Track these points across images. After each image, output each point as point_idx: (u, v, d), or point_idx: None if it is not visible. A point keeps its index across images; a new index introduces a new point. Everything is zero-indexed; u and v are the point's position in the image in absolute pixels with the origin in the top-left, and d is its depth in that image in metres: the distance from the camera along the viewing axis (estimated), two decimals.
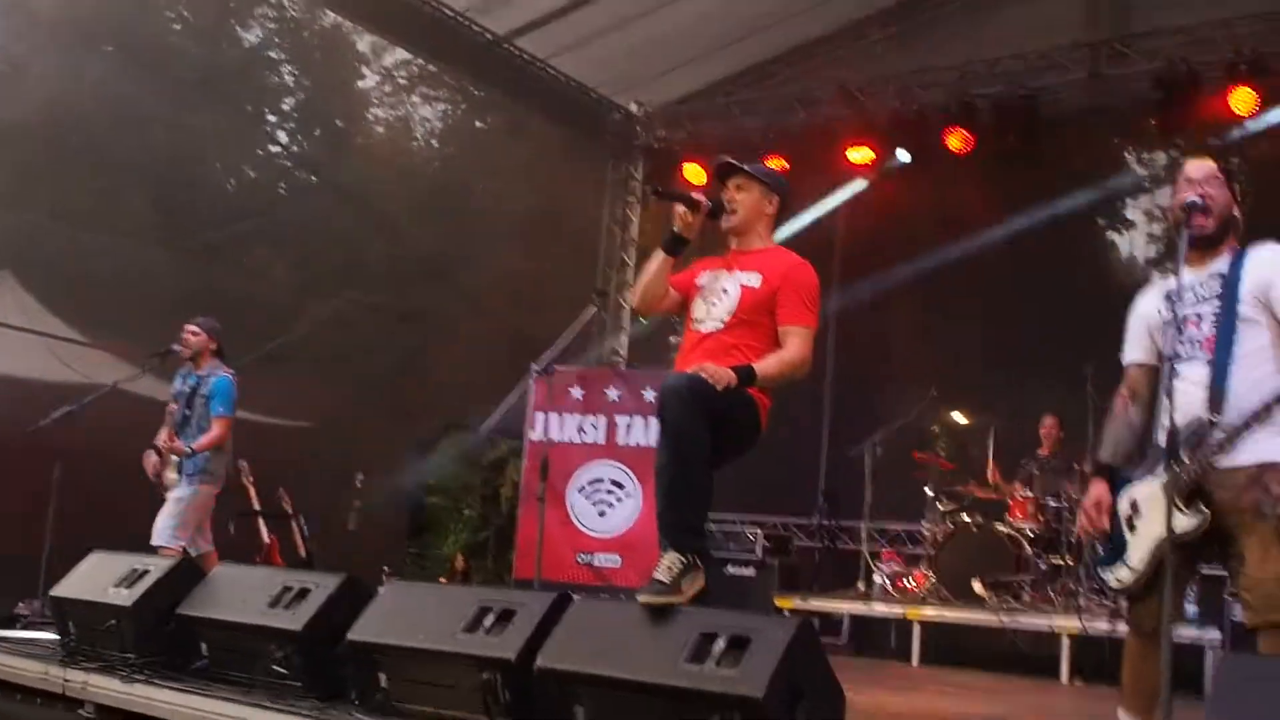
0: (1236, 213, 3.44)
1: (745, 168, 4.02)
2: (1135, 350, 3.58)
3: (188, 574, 4.42)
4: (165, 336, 6.77)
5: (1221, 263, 3.37)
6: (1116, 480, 3.50)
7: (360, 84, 15.37)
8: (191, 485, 6.36)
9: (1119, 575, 3.43)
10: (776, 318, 3.85)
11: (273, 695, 3.75)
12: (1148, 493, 3.38)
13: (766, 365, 3.75)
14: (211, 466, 6.44)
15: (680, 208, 3.92)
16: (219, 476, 6.51)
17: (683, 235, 3.95)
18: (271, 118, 14.97)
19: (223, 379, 6.56)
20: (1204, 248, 3.38)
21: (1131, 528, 3.42)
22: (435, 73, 14.20)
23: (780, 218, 4.08)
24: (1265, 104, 8.56)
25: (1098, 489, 3.50)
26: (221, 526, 6.83)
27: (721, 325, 3.88)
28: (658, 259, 4.02)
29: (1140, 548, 3.36)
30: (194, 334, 6.66)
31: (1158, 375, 3.49)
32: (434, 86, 15.33)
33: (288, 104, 15.02)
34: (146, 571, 4.40)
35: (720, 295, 3.92)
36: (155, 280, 9.76)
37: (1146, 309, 3.56)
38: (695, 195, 3.95)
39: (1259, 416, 3.15)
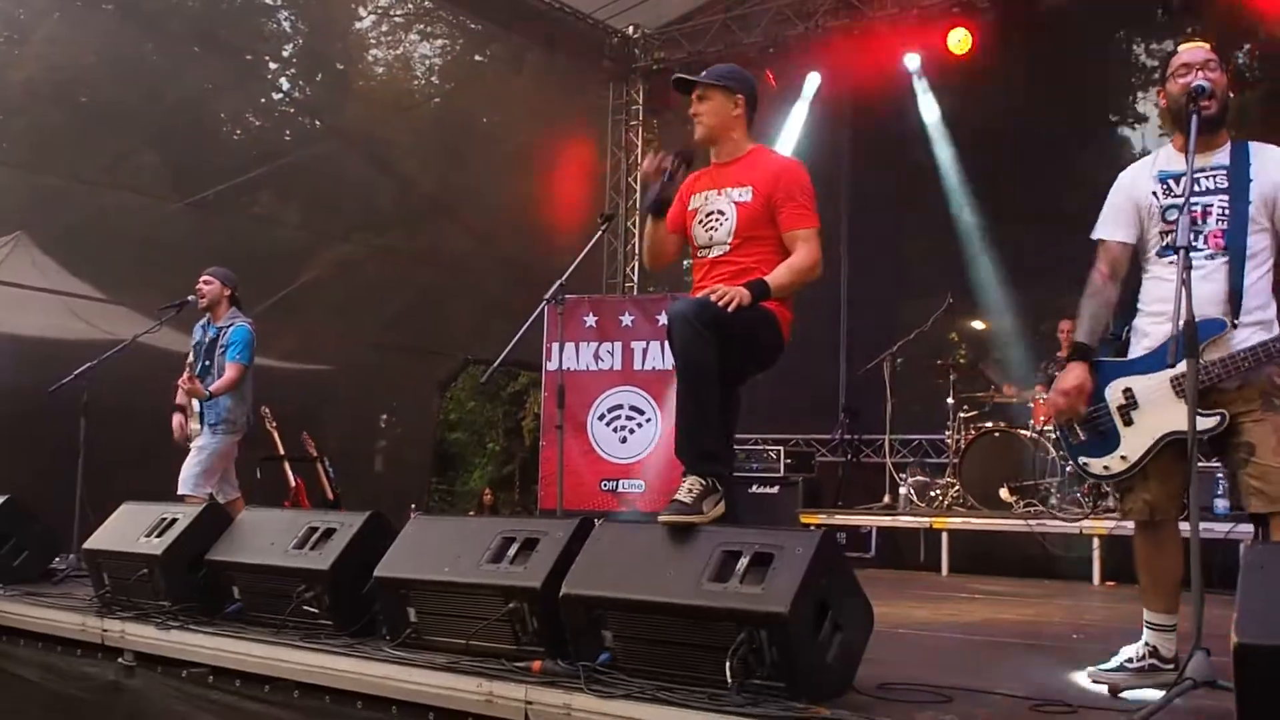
0: (1232, 98, 3.36)
1: (698, 78, 3.92)
2: (1118, 228, 3.48)
3: (215, 520, 4.47)
4: (182, 289, 6.79)
5: (1223, 154, 3.32)
6: (1094, 365, 3.45)
7: (357, 25, 15.16)
8: (214, 433, 6.41)
9: (1107, 464, 3.40)
10: (779, 225, 3.79)
11: (305, 634, 3.79)
12: (1149, 385, 3.33)
13: (778, 276, 3.69)
14: (233, 414, 6.47)
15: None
16: (241, 424, 6.55)
17: (665, 198, 3.93)
18: (273, 65, 14.80)
19: (241, 328, 6.58)
20: (1208, 132, 3.30)
21: (1126, 419, 3.37)
22: (431, 9, 13.99)
23: (753, 111, 3.95)
24: None
25: (1079, 372, 3.44)
26: (247, 473, 6.89)
27: (727, 248, 3.83)
28: (648, 224, 4.01)
29: (1138, 440, 3.32)
30: (208, 284, 6.67)
31: (1137, 255, 3.44)
32: (431, 23, 15.10)
33: (287, 50, 14.85)
34: (175, 520, 4.45)
35: (717, 218, 3.86)
36: (169, 234, 9.76)
37: (1137, 188, 3.46)
38: (665, 164, 3.89)
39: None
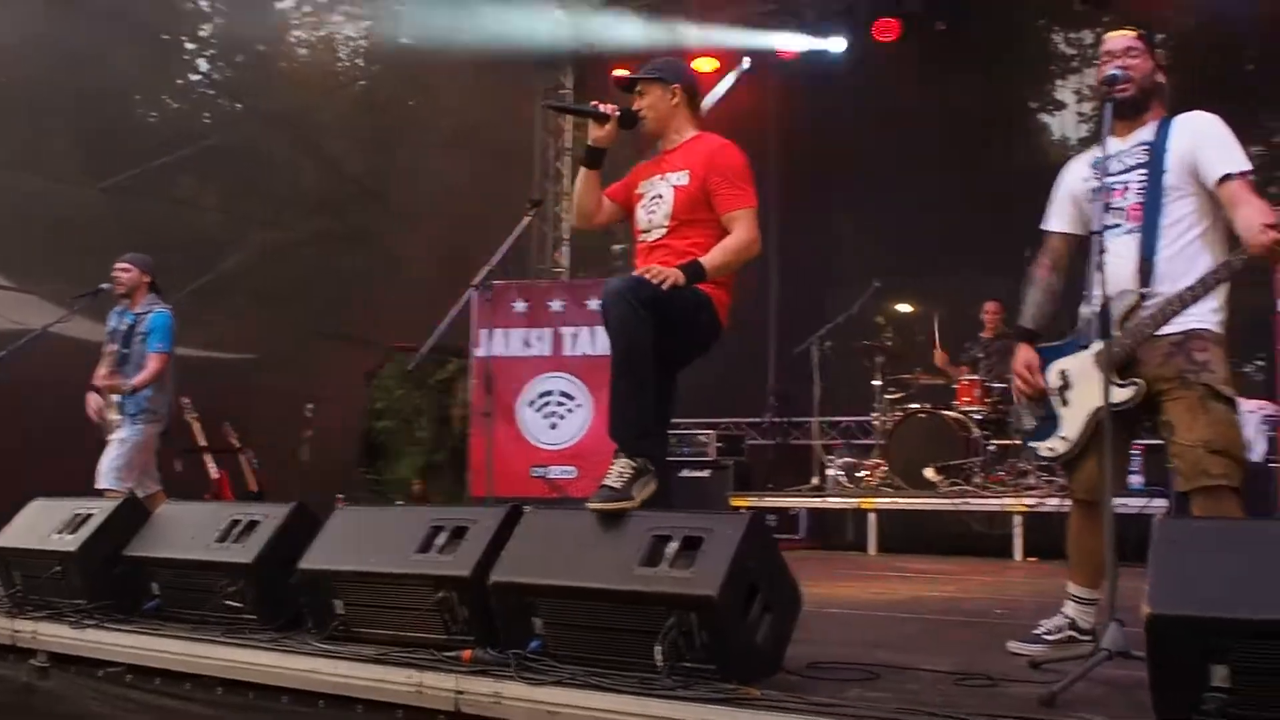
0: (1160, 78, 3.42)
1: (635, 74, 4.01)
2: (1058, 219, 3.59)
3: (133, 515, 4.35)
4: (96, 276, 6.60)
5: (1147, 131, 3.38)
6: (1037, 350, 3.54)
7: (279, 5, 14.85)
8: (134, 425, 6.25)
9: (1051, 445, 3.50)
10: (715, 207, 3.80)
11: (227, 630, 3.72)
12: (1078, 365, 3.43)
13: (713, 257, 3.70)
14: (152, 405, 6.32)
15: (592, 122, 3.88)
16: (161, 415, 6.40)
17: (597, 147, 3.92)
18: (190, 46, 14.47)
19: (160, 314, 6.43)
20: (1129, 116, 3.38)
21: (1063, 400, 3.46)
22: None
23: (693, 100, 4.02)
24: None
25: (1026, 352, 3.55)
26: (168, 465, 6.74)
27: (665, 231, 3.85)
28: (580, 174, 4.02)
29: (1074, 418, 3.42)
30: (125, 271, 6.51)
31: (1079, 245, 3.51)
32: (355, 3, 14.86)
33: (205, 30, 14.50)
34: (90, 515, 4.32)
35: (657, 202, 3.90)
36: (83, 219, 9.50)
37: (1071, 178, 3.57)
38: (599, 107, 3.88)
39: (1194, 292, 3.18)
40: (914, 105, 9.83)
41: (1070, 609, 3.47)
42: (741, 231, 3.76)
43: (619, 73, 4.09)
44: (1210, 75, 8.34)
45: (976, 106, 9.88)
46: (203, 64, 14.53)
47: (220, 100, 14.27)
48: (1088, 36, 10.53)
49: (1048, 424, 3.52)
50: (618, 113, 3.86)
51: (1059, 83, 10.96)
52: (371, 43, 15.46)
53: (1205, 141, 3.27)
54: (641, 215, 3.96)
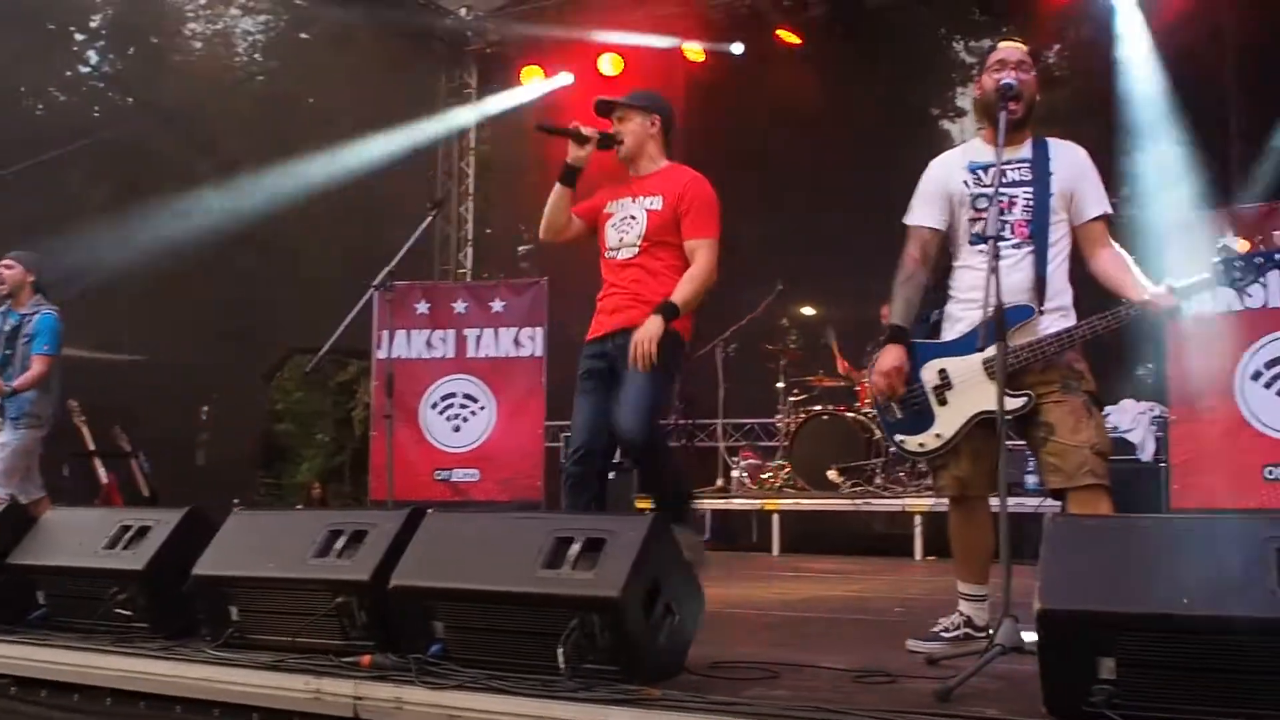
0: (1038, 96, 3.54)
1: (619, 100, 4.30)
2: (929, 214, 3.62)
3: (16, 521, 4.18)
4: None
5: (1025, 149, 3.49)
6: (909, 346, 3.57)
7: None
8: (16, 430, 6.05)
9: (922, 441, 3.53)
10: (681, 232, 4.15)
11: (117, 639, 3.60)
12: (963, 366, 3.46)
13: (683, 292, 4.08)
14: (36, 409, 6.11)
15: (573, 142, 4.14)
16: (45, 419, 6.19)
17: (574, 166, 4.17)
18: (80, 36, 14.02)
19: (46, 316, 6.23)
20: (1015, 129, 3.46)
21: (941, 398, 3.50)
22: None
23: (668, 132, 4.35)
24: None
25: (896, 353, 3.53)
26: (54, 470, 6.51)
27: (637, 251, 4.18)
28: (555, 191, 4.24)
29: (951, 418, 3.46)
30: (10, 269, 6.29)
31: (945, 240, 3.60)
32: None
33: (95, 21, 14.06)
34: None
35: (629, 222, 4.21)
36: None
37: (947, 177, 3.60)
38: (582, 129, 4.14)
39: (1094, 328, 3.33)
40: (817, 109, 9.96)
41: (964, 606, 3.55)
42: (703, 260, 4.13)
43: (601, 98, 4.33)
44: (1093, 88, 8.61)
45: (879, 111, 10.07)
46: (93, 55, 14.09)
47: (110, 93, 13.85)
48: (987, 45, 10.83)
49: (919, 419, 3.53)
50: (596, 135, 4.14)
51: (960, 90, 11.25)
52: (269, 38, 15.18)
53: (1086, 175, 3.48)
54: (611, 234, 4.24)
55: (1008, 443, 3.25)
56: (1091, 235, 3.44)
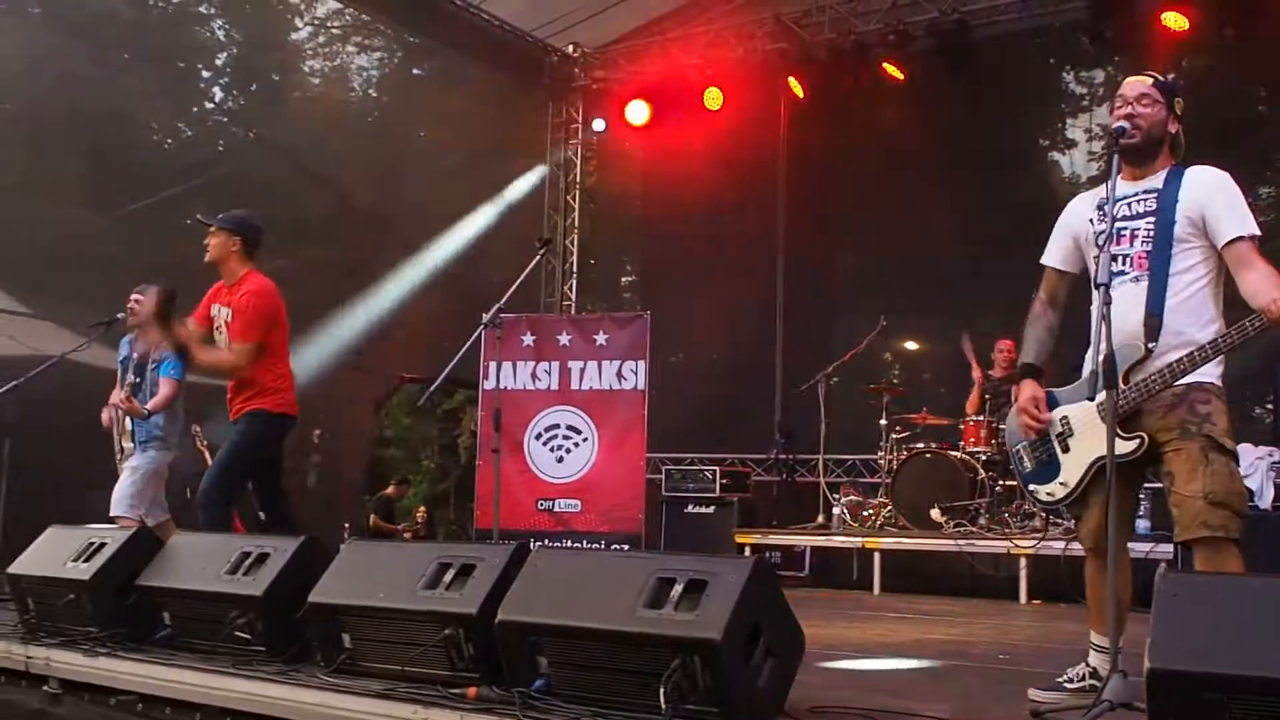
0: (1172, 128, 3.44)
1: (210, 221, 5.25)
2: (1056, 255, 3.61)
3: (146, 544, 4.39)
4: (109, 303, 6.66)
5: (1156, 179, 3.40)
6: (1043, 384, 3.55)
7: (293, 36, 15.04)
8: (146, 453, 6.29)
9: (1050, 490, 3.51)
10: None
11: (236, 661, 3.75)
12: (1081, 413, 3.43)
13: (205, 356, 5.14)
14: (164, 433, 6.36)
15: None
16: (173, 442, 6.44)
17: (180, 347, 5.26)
18: (205, 74, 14.63)
19: None
20: (1136, 163, 3.41)
21: (1064, 445, 3.48)
22: (369, 21, 13.93)
23: (249, 248, 5.23)
24: (1197, 24, 8.64)
25: (1032, 388, 3.53)
26: (179, 493, 6.78)
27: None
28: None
29: (1076, 465, 3.43)
30: (140, 300, 6.55)
31: (1074, 281, 3.56)
32: (368, 35, 15.04)
33: (220, 60, 14.67)
34: (104, 544, 4.36)
35: (223, 327, 5.18)
36: (95, 246, 9.60)
37: (1076, 217, 3.57)
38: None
39: (1204, 354, 3.20)
40: (922, 143, 9.89)
41: (1093, 657, 3.45)
42: (230, 357, 5.10)
43: (197, 217, 5.33)
44: (1220, 115, 8.40)
45: (985, 144, 9.95)
46: (217, 92, 14.69)
47: (233, 128, 14.41)
48: (1098, 75, 10.63)
49: (1047, 468, 3.53)
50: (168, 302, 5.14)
51: (1070, 121, 11.05)
52: (383, 74, 15.65)
53: (1217, 198, 3.30)
54: (217, 337, 5.20)
55: (1151, 484, 3.18)
56: (1235, 258, 3.24)
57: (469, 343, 5.13)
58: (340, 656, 3.60)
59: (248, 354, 5.06)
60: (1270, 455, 7.06)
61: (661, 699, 2.83)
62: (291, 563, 3.90)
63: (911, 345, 10.50)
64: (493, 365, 8.03)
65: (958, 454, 8.48)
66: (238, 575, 3.95)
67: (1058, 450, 3.49)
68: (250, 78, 14.55)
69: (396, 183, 12.52)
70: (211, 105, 14.58)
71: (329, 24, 14.91)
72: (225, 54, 14.56)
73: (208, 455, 8.01)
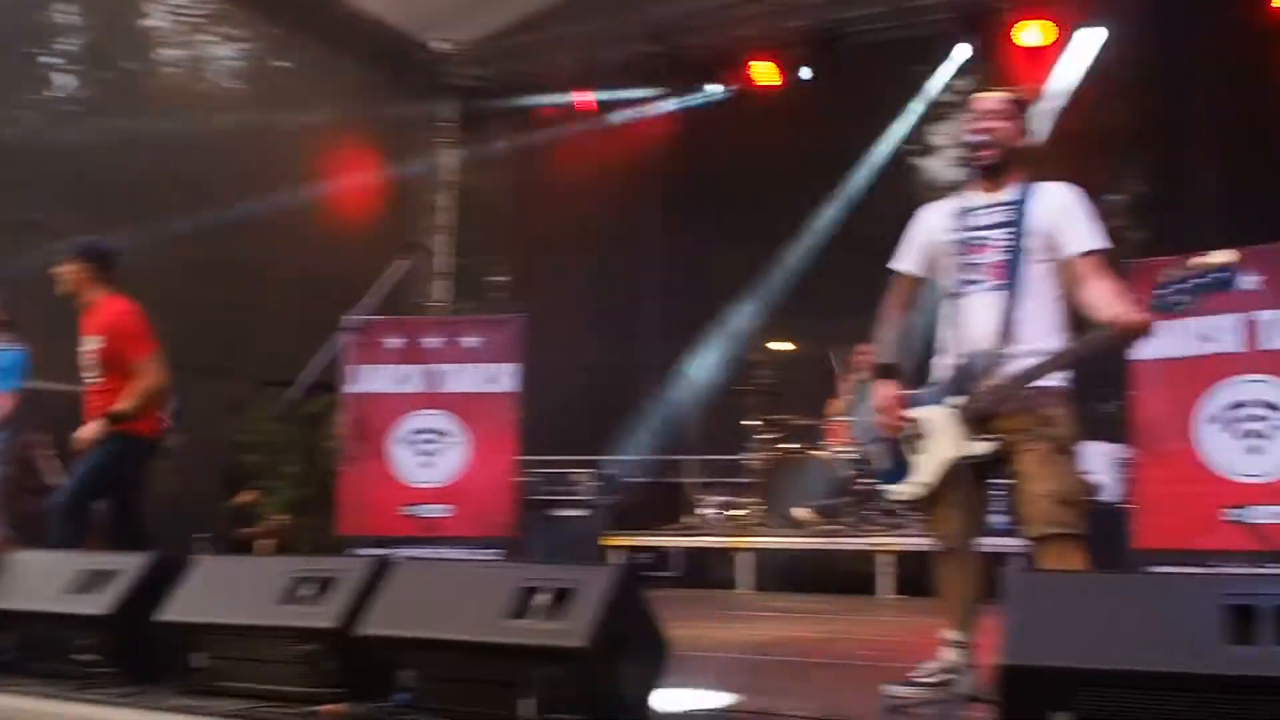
0: (1024, 142, 3.57)
1: (67, 256, 5.34)
2: (910, 260, 3.71)
3: None
4: None
5: (1010, 192, 3.52)
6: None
7: (145, 23, 14.44)
8: None
9: (903, 490, 3.62)
10: (122, 364, 5.17)
11: (82, 684, 3.57)
12: (934, 415, 3.53)
13: (124, 403, 5.11)
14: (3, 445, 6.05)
15: None
16: (6, 454, 6.13)
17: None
18: (50, 61, 13.91)
19: (11, 353, 6.17)
20: (990, 176, 3.53)
21: (919, 447, 3.57)
22: (229, 11, 13.48)
23: (101, 271, 5.35)
24: (1061, 35, 9.02)
25: (888, 388, 3.63)
26: (21, 509, 6.44)
27: (96, 380, 5.24)
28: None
29: (928, 466, 3.53)
30: None
31: (924, 287, 3.66)
32: (229, 25, 14.55)
33: (68, 46, 14.00)
34: None
35: (88, 356, 5.25)
36: None
37: (930, 225, 3.68)
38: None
39: (1057, 363, 3.33)
40: (790, 146, 10.04)
41: (947, 652, 3.57)
42: (141, 379, 5.16)
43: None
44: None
45: (855, 149, 10.18)
46: (64, 80, 14.00)
47: (85, 119, 13.76)
48: (962, 85, 10.98)
49: (898, 468, 3.62)
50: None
51: (934, 128, 11.36)
52: (245, 66, 15.15)
53: (1068, 213, 3.45)
54: (84, 365, 5.29)
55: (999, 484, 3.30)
56: (1079, 271, 3.38)
57: (330, 347, 5.02)
58: (194, 676, 3.47)
59: (154, 364, 5.20)
60: (1116, 452, 7.38)
61: (526, 709, 2.81)
62: (141, 579, 3.74)
63: (779, 346, 10.66)
64: (355, 368, 7.80)
65: (824, 453, 8.64)
66: (83, 593, 3.76)
67: (912, 451, 3.58)
68: (99, 65, 13.90)
69: (260, 179, 12.14)
70: (57, 94, 13.88)
71: (185, 12, 14.38)
72: (73, 41, 13.91)
73: (49, 465, 7.64)
